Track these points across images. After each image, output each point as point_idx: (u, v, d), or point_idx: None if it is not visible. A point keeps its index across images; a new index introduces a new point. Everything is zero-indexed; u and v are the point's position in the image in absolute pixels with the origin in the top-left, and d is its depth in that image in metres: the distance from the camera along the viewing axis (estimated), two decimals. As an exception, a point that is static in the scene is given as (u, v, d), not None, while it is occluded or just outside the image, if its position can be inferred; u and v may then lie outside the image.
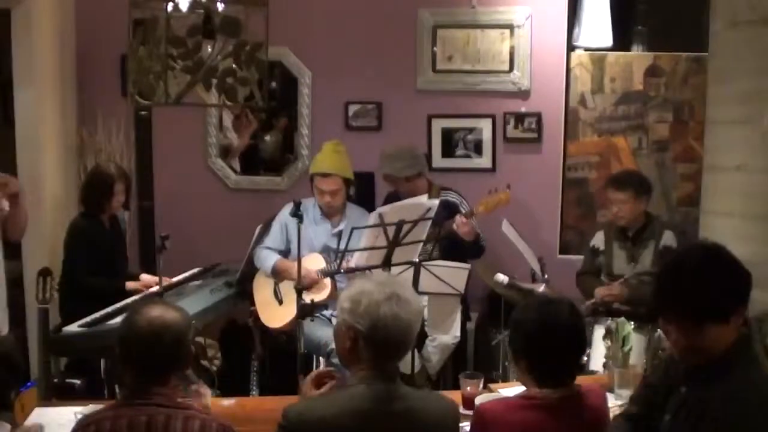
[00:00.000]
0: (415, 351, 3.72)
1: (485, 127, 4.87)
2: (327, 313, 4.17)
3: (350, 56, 4.93)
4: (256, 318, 4.26)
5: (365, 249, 3.57)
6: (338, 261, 3.66)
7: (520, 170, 4.80)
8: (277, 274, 4.25)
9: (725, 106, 3.78)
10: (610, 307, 4.04)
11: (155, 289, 3.96)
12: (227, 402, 3.02)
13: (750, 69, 3.59)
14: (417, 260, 3.58)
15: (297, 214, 3.51)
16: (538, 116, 4.83)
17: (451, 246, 4.06)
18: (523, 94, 4.83)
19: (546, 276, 4.04)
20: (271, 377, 4.29)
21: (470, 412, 2.42)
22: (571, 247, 4.86)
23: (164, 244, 3.45)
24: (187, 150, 5.09)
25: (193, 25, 2.72)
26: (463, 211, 4.18)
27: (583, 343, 2.25)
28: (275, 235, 4.31)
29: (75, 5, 5.01)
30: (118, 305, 3.78)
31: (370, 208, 4.24)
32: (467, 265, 3.81)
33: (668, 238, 4.02)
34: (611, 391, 2.88)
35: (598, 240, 4.23)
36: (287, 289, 4.15)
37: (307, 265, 4.01)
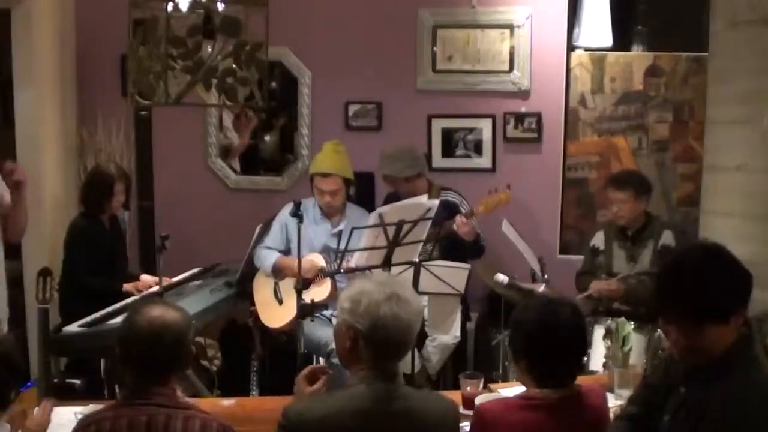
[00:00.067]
0: (415, 351, 3.71)
1: (485, 127, 4.87)
2: (327, 313, 4.17)
3: (350, 56, 4.93)
4: (256, 318, 4.26)
5: (365, 249, 3.57)
6: (338, 261, 3.66)
7: (520, 170, 4.80)
8: (278, 272, 4.24)
9: (725, 106, 3.78)
10: (609, 306, 4.05)
11: (155, 289, 3.96)
12: (227, 402, 3.03)
13: (750, 69, 3.59)
14: (417, 260, 3.58)
15: (297, 214, 3.51)
16: (538, 116, 4.83)
17: (451, 246, 4.06)
18: (523, 94, 4.83)
19: (546, 276, 4.04)
20: (271, 377, 4.29)
21: (470, 412, 2.42)
22: (571, 247, 4.86)
23: (164, 244, 3.45)
24: (187, 150, 5.09)
25: (193, 25, 2.72)
26: (463, 211, 4.18)
27: (584, 344, 2.25)
28: (275, 235, 4.31)
29: (75, 5, 5.01)
30: (118, 305, 3.78)
31: (370, 208, 4.24)
32: (467, 265, 3.81)
33: (667, 238, 4.02)
34: (611, 391, 2.88)
35: (598, 240, 4.23)
36: (287, 289, 4.15)
37: (307, 266, 4.01)
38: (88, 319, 3.61)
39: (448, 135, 4.91)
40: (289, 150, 5.15)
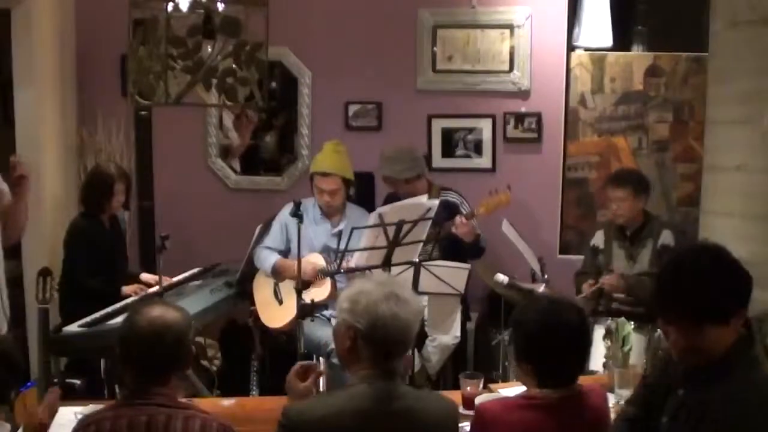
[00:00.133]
0: (415, 351, 3.71)
1: (485, 127, 4.87)
2: (327, 313, 4.17)
3: (350, 56, 4.93)
4: (256, 318, 4.26)
5: (365, 249, 3.57)
6: (338, 261, 3.66)
7: (520, 170, 4.80)
8: (278, 274, 4.25)
9: (725, 106, 3.78)
10: (609, 306, 4.05)
11: (155, 289, 3.96)
12: (227, 402, 3.02)
13: (750, 69, 3.59)
14: (417, 260, 3.58)
15: (297, 214, 3.51)
16: (538, 116, 4.83)
17: (450, 246, 4.06)
18: (523, 94, 4.83)
19: (546, 276, 4.04)
20: (271, 377, 4.28)
21: (470, 412, 2.42)
22: (571, 247, 4.86)
23: (164, 244, 3.46)
24: (187, 150, 5.09)
25: (193, 25, 2.72)
26: (464, 212, 4.18)
27: (587, 344, 2.23)
28: (275, 235, 4.31)
29: (75, 5, 5.01)
30: (118, 305, 3.79)
31: (370, 208, 4.24)
32: (467, 265, 3.81)
33: (666, 238, 4.02)
34: (611, 391, 2.88)
35: (598, 239, 4.23)
36: (287, 289, 4.16)
37: (308, 266, 4.01)
38: (88, 319, 3.61)
39: (448, 135, 4.91)
40: (288, 150, 5.15)
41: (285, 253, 4.29)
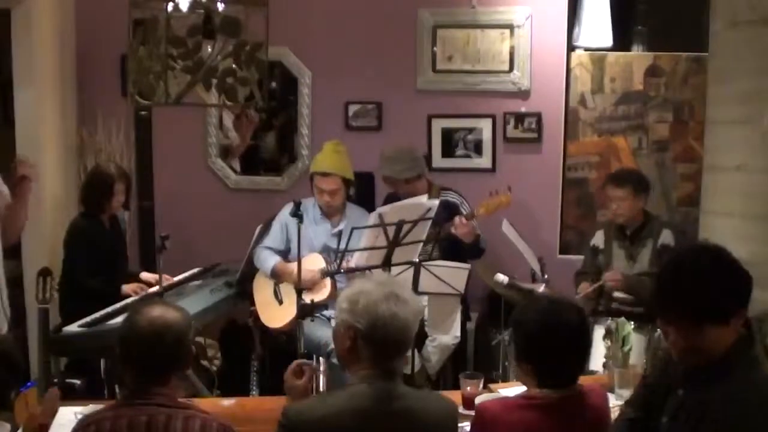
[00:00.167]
0: (415, 351, 3.71)
1: (485, 127, 4.87)
2: (327, 313, 4.17)
3: (350, 56, 4.93)
4: (256, 318, 4.26)
5: (365, 249, 3.57)
6: (338, 261, 3.66)
7: (520, 170, 4.80)
8: (277, 277, 4.25)
9: (725, 106, 3.78)
10: (609, 306, 4.05)
11: (155, 289, 3.96)
12: (227, 402, 3.02)
13: (750, 69, 3.60)
14: (417, 260, 3.58)
15: (297, 214, 3.51)
16: (538, 116, 4.83)
17: (450, 247, 4.06)
18: (523, 94, 4.83)
19: (546, 276, 4.04)
20: (271, 377, 4.28)
21: (470, 412, 2.42)
22: (571, 247, 4.86)
23: (164, 244, 3.45)
24: (187, 150, 5.09)
25: (193, 25, 2.72)
26: (463, 212, 4.18)
27: (587, 345, 2.23)
28: (275, 235, 4.31)
29: (75, 5, 5.01)
30: (118, 305, 3.79)
31: (370, 208, 4.24)
32: (467, 265, 3.81)
33: (666, 237, 4.03)
34: (611, 391, 2.88)
35: (598, 239, 4.24)
36: (287, 289, 4.16)
37: (307, 266, 4.01)
38: (88, 319, 3.61)
39: (448, 135, 4.91)
40: (288, 150, 5.14)
41: (285, 253, 4.29)
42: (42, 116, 4.62)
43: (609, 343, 3.27)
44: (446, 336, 4.05)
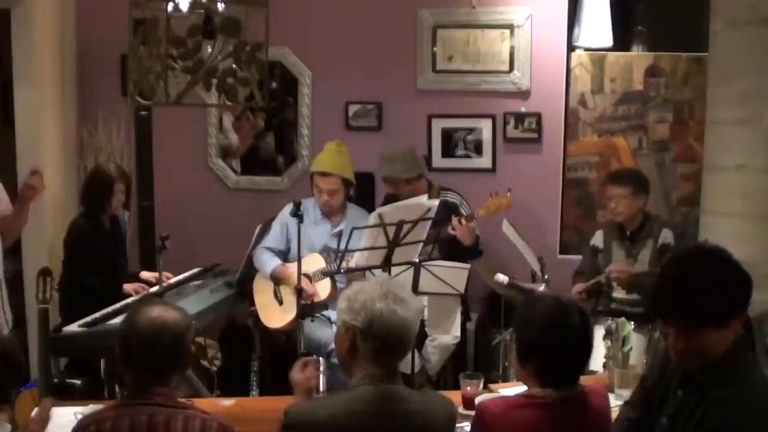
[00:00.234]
0: (415, 351, 3.71)
1: (485, 127, 4.87)
2: (327, 313, 4.17)
3: (350, 56, 4.93)
4: (256, 318, 4.26)
5: (365, 249, 3.57)
6: (338, 261, 3.66)
7: (520, 170, 4.80)
8: (276, 281, 4.24)
9: (725, 106, 3.78)
10: (609, 306, 4.05)
11: (155, 289, 3.96)
12: (227, 402, 3.02)
13: (750, 69, 3.60)
14: (417, 260, 3.57)
15: (297, 214, 3.51)
16: (538, 116, 4.83)
17: (450, 247, 4.06)
18: (523, 94, 4.83)
19: (546, 276, 4.04)
20: (271, 377, 4.29)
21: (470, 412, 2.42)
22: (571, 247, 4.85)
23: (164, 244, 3.46)
24: (187, 150, 5.10)
25: (193, 25, 2.72)
26: (463, 212, 4.18)
27: (590, 345, 2.23)
28: (275, 235, 4.31)
29: (75, 5, 5.01)
30: (118, 305, 3.79)
31: (370, 208, 4.24)
32: (467, 265, 3.81)
33: (667, 237, 4.02)
34: (611, 391, 2.88)
35: (598, 239, 4.23)
36: (287, 289, 4.16)
37: (307, 266, 4.01)
38: (88, 319, 3.61)
39: (448, 135, 4.91)
40: (288, 150, 5.13)
41: (285, 253, 4.29)
42: (42, 116, 4.62)
43: (609, 343, 3.27)
44: (446, 336, 4.05)
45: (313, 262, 4.17)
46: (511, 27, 4.77)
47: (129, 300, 3.93)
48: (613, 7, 4.70)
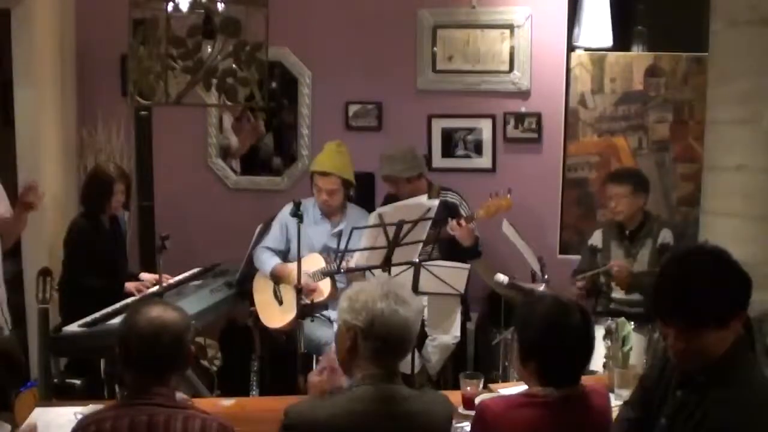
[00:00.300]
0: (415, 351, 3.71)
1: (485, 127, 4.87)
2: (327, 313, 4.17)
3: (350, 56, 4.93)
4: (256, 318, 4.26)
5: (365, 249, 3.57)
6: (338, 261, 3.66)
7: (520, 170, 4.80)
8: (276, 279, 4.24)
9: (725, 106, 3.78)
10: (609, 306, 4.05)
11: (155, 289, 3.96)
12: (227, 402, 3.02)
13: (750, 69, 3.60)
14: (417, 260, 3.57)
15: (297, 214, 3.51)
16: (538, 116, 4.83)
17: (449, 247, 4.06)
18: (523, 94, 4.83)
19: (546, 276, 4.04)
20: (271, 377, 4.29)
21: (470, 412, 2.42)
22: (571, 247, 4.85)
23: (164, 244, 3.46)
24: (187, 150, 5.10)
25: (193, 25, 2.72)
26: (463, 212, 4.18)
27: (591, 345, 2.23)
28: (275, 235, 4.31)
29: (75, 5, 5.01)
30: (118, 305, 3.79)
31: (370, 208, 4.25)
32: (467, 265, 3.81)
33: (666, 236, 4.02)
34: (611, 391, 2.88)
35: (597, 239, 4.23)
36: (287, 289, 4.16)
37: (307, 266, 4.01)
38: (88, 319, 3.61)
39: (448, 135, 4.91)
40: (288, 150, 5.13)
41: (285, 253, 4.29)
42: (42, 116, 4.62)
43: (609, 343, 3.27)
44: (446, 336, 4.05)
45: (313, 262, 4.17)
46: (511, 27, 4.77)
47: (129, 300, 3.93)
48: (613, 7, 4.70)
